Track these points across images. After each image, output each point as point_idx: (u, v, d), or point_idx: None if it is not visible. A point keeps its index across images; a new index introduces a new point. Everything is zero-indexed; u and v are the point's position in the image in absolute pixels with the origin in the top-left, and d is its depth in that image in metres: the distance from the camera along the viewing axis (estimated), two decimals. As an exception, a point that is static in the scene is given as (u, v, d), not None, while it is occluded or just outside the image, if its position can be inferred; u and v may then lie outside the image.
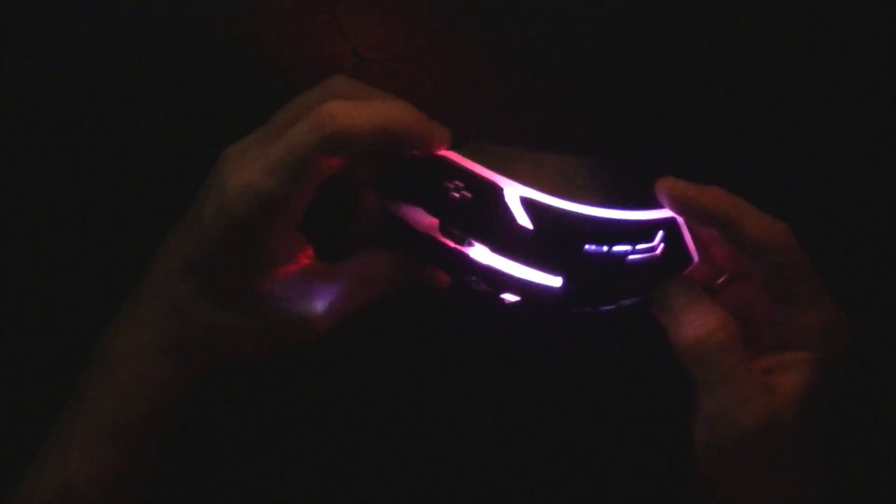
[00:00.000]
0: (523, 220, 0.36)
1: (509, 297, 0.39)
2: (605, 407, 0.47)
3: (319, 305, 0.37)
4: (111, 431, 0.36)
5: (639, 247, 0.37)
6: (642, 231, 0.37)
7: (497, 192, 0.36)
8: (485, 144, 0.38)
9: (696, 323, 0.37)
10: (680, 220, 0.39)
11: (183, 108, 0.45)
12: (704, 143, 0.46)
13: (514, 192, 0.36)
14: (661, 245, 0.38)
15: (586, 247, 0.36)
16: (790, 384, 0.36)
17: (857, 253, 0.46)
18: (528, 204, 0.36)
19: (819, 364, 0.37)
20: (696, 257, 0.39)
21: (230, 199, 0.35)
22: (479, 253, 0.38)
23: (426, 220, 0.38)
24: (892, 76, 0.46)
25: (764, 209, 0.38)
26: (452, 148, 0.37)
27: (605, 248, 0.37)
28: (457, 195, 0.36)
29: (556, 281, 0.37)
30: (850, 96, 0.46)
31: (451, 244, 0.38)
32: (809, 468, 0.37)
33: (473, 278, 0.38)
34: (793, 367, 0.37)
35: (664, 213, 0.38)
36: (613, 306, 0.39)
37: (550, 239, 0.36)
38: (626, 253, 0.37)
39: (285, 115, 0.37)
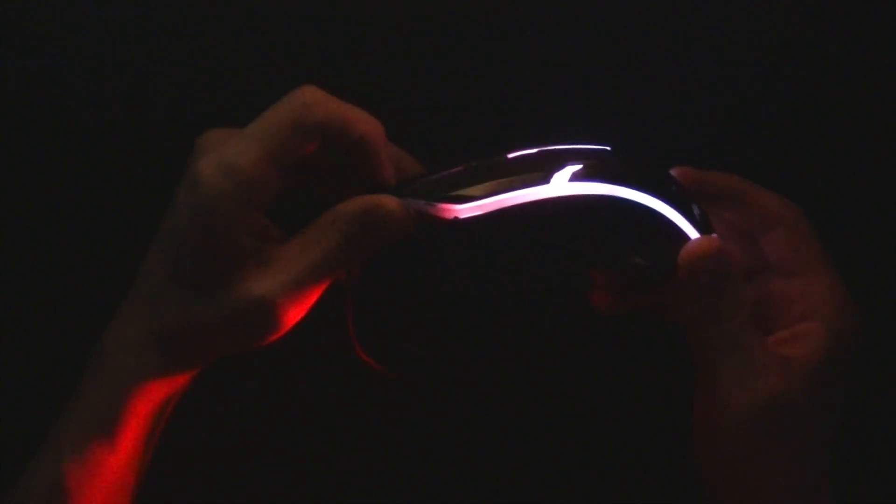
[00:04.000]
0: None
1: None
2: (608, 402, 0.47)
3: (281, 279, 0.35)
4: (102, 425, 0.36)
5: None
6: None
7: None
8: None
9: (727, 300, 0.36)
10: None
11: (183, 108, 0.45)
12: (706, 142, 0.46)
13: None
14: None
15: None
16: (804, 353, 0.36)
17: (857, 252, 0.46)
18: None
19: (832, 334, 0.37)
20: None
21: (204, 178, 0.34)
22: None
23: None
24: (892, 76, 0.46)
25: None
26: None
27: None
28: None
29: (604, 148, 0.38)
30: (848, 95, 0.46)
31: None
32: (819, 447, 0.37)
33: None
34: (806, 337, 0.37)
35: None
36: (664, 198, 0.37)
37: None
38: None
39: None
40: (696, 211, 0.37)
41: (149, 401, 0.37)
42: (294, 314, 0.36)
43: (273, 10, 0.44)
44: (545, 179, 0.36)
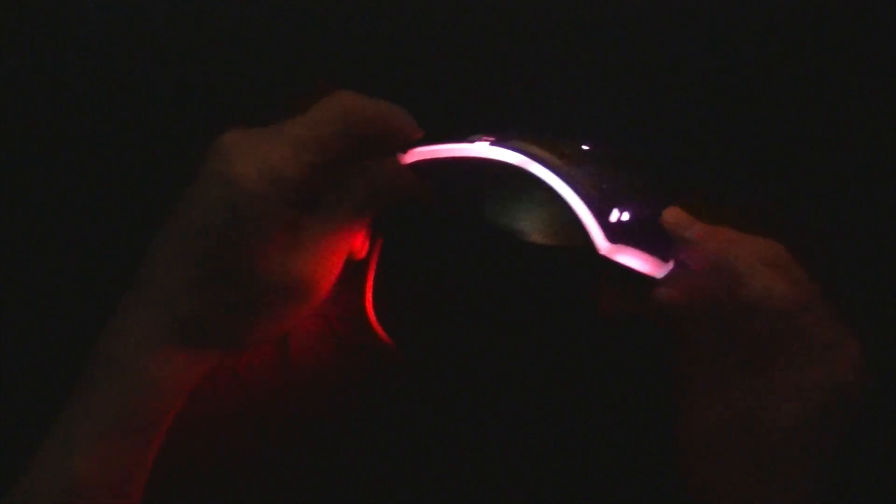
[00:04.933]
0: None
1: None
2: (612, 399, 0.47)
3: (311, 257, 0.37)
4: (120, 428, 0.36)
5: None
6: None
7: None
8: None
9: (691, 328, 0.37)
10: None
11: (183, 108, 0.45)
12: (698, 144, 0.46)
13: None
14: None
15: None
16: (778, 408, 0.36)
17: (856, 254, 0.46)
18: None
19: (815, 392, 0.36)
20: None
21: (247, 181, 0.35)
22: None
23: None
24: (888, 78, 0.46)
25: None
26: None
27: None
28: None
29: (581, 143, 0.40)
30: (841, 97, 0.46)
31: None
32: (796, 471, 0.37)
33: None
34: (782, 393, 0.36)
35: None
36: (574, 188, 0.38)
37: None
38: None
39: (294, 116, 0.38)
40: (616, 215, 0.38)
41: (166, 402, 0.37)
42: (325, 286, 0.38)
43: (273, 10, 0.44)
44: (469, 140, 0.39)
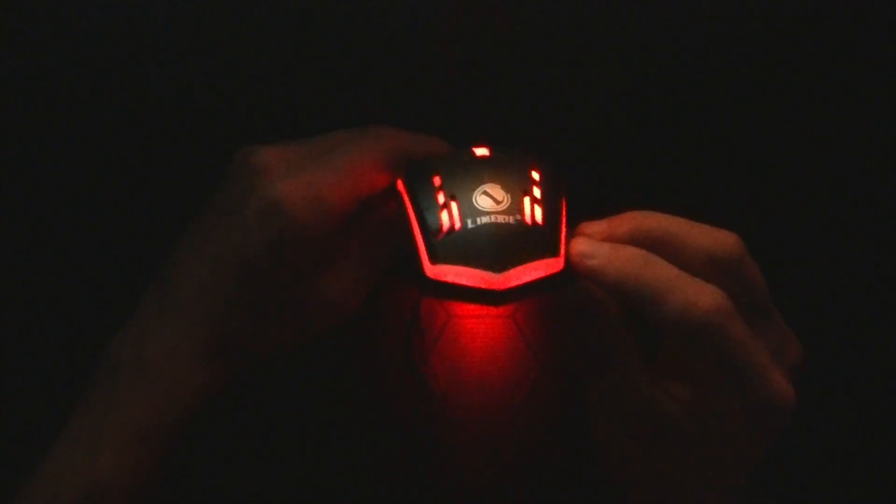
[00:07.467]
0: None
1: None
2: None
3: (348, 279, 0.38)
4: (145, 435, 0.37)
5: None
6: None
7: None
8: None
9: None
10: None
11: (184, 108, 0.45)
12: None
13: None
14: None
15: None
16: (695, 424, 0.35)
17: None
18: None
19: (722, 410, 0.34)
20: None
21: (292, 208, 0.35)
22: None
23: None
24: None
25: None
26: None
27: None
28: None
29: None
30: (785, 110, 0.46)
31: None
32: (705, 466, 0.36)
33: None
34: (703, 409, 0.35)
35: None
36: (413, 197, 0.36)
37: None
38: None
39: (331, 138, 0.38)
40: (447, 223, 0.35)
41: (192, 411, 0.38)
42: (356, 304, 0.39)
43: (273, 10, 0.44)
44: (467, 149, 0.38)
